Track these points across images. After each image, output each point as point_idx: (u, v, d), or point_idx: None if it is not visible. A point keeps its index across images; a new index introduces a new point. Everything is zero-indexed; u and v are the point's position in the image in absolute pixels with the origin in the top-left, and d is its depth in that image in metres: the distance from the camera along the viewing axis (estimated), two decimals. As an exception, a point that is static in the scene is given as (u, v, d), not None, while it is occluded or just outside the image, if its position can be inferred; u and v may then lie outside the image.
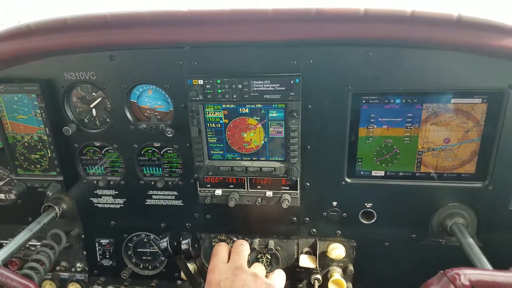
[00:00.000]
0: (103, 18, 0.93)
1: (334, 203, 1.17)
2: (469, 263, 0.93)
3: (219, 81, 1.02)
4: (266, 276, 0.95)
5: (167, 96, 1.13)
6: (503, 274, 0.62)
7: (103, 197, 1.29)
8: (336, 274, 1.23)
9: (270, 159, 1.14)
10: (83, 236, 1.37)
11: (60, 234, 1.32)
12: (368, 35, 0.87)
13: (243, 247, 1.00)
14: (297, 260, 1.26)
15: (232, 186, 1.19)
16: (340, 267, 1.26)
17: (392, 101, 1.04)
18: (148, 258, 1.40)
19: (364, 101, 1.05)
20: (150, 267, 1.41)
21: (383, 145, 1.09)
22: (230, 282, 0.86)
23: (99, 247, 1.38)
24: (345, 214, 1.17)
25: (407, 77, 0.97)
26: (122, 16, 0.93)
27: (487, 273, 0.61)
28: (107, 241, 1.37)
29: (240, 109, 1.08)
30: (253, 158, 1.14)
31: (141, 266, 1.41)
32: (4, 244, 1.26)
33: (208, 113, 1.10)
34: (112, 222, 1.33)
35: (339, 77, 1.00)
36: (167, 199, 1.26)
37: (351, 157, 1.11)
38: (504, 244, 1.09)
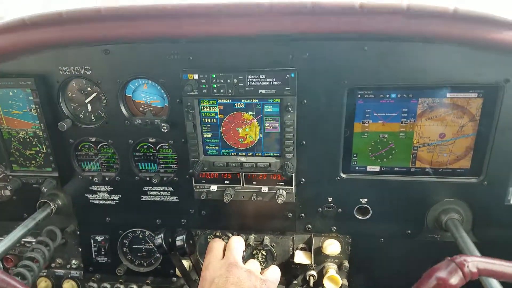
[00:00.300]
0: (97, 11, 0.92)
1: (330, 199, 1.16)
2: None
3: (214, 75, 1.02)
4: (260, 272, 0.95)
5: (162, 91, 1.12)
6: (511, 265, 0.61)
7: (98, 193, 1.29)
8: (331, 270, 1.23)
9: (265, 154, 1.13)
10: (78, 232, 1.37)
11: (55, 230, 1.31)
12: (364, 29, 0.87)
13: (238, 243, 1.00)
14: (293, 256, 1.26)
15: (227, 181, 1.18)
16: (335, 263, 1.26)
17: (387, 95, 1.04)
18: (144, 254, 1.39)
19: (359, 96, 1.05)
20: (145, 264, 1.41)
21: (378, 140, 1.09)
22: (225, 279, 0.85)
23: (95, 244, 1.38)
24: (340, 209, 1.17)
25: (403, 71, 0.97)
26: (116, 10, 0.93)
27: (496, 262, 0.59)
28: (102, 237, 1.36)
29: (236, 104, 1.08)
30: (249, 154, 1.14)
31: (136, 263, 1.41)
32: (-2, 241, 1.25)
33: (204, 108, 1.09)
34: (107, 219, 1.32)
35: (334, 71, 1.00)
36: (162, 195, 1.26)
37: (347, 153, 1.11)
38: (499, 240, 1.09)
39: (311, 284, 1.25)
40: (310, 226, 1.22)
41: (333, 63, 0.99)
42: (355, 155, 1.12)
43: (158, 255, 1.38)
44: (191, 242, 1.12)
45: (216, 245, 0.99)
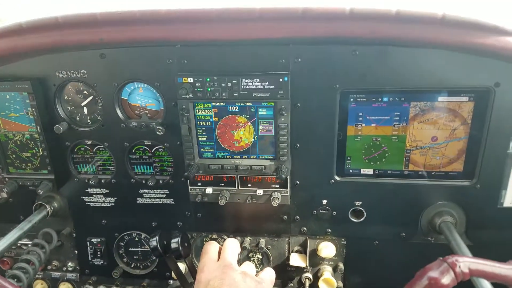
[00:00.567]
0: (93, 16, 0.94)
1: (324, 201, 1.17)
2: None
3: (208, 79, 1.03)
4: (256, 274, 0.95)
5: (157, 95, 1.13)
6: (503, 266, 0.61)
7: (94, 195, 1.29)
8: (327, 272, 1.23)
9: (260, 157, 1.14)
10: (74, 235, 1.37)
11: (51, 233, 1.32)
12: (354, 33, 0.89)
13: (233, 246, 1.00)
14: (288, 258, 1.26)
15: (222, 184, 1.19)
16: (331, 265, 1.26)
17: (379, 99, 1.05)
18: (140, 257, 1.40)
19: (352, 100, 1.06)
20: (141, 267, 1.41)
21: (371, 143, 1.10)
22: (220, 281, 0.85)
23: (91, 246, 1.38)
24: (335, 212, 1.18)
25: (394, 75, 0.98)
26: (112, 15, 0.94)
27: (487, 263, 0.60)
28: (98, 240, 1.37)
29: (230, 107, 1.09)
30: (243, 156, 1.15)
31: (132, 266, 1.41)
32: (-6, 243, 1.26)
33: (198, 111, 1.10)
34: (103, 221, 1.33)
35: (327, 75, 1.01)
36: (158, 197, 1.26)
37: (340, 155, 1.12)
38: (492, 243, 1.10)
39: (307, 286, 1.25)
40: (305, 228, 1.22)
41: (325, 66, 1.00)
42: (348, 158, 1.13)
43: (154, 258, 1.38)
44: (186, 244, 1.12)
45: (212, 247, 1.00)
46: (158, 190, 1.25)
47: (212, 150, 1.15)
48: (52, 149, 1.21)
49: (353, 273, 1.26)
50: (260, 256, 1.31)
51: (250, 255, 1.31)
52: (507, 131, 0.99)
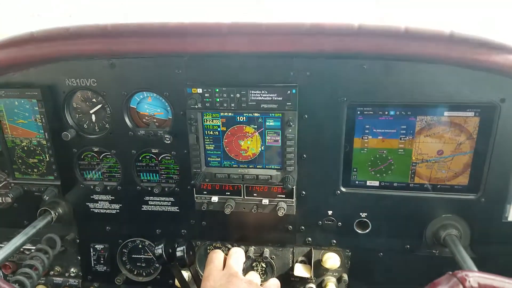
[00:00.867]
0: (104, 28, 0.95)
1: (330, 212, 1.17)
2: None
3: (217, 90, 1.04)
4: (260, 284, 0.95)
5: (166, 104, 1.14)
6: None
7: (99, 202, 1.29)
8: (331, 284, 1.23)
9: (266, 167, 1.15)
10: (78, 241, 1.37)
11: (55, 238, 1.32)
12: (363, 49, 0.90)
13: (239, 255, 1.00)
14: (292, 269, 1.26)
15: (228, 193, 1.20)
16: (335, 276, 1.26)
17: (386, 112, 1.06)
18: (143, 264, 1.39)
19: (359, 112, 1.07)
20: (144, 274, 1.40)
21: (377, 156, 1.11)
22: None
23: (94, 253, 1.38)
24: (340, 223, 1.18)
25: (401, 89, 1.00)
26: (122, 27, 0.95)
27: (497, 279, 0.59)
28: (101, 246, 1.37)
29: (238, 118, 1.10)
30: (250, 166, 1.15)
31: (135, 273, 1.41)
32: (-2, 248, 1.26)
33: (206, 121, 1.11)
34: (107, 228, 1.33)
35: (335, 88, 1.02)
36: (163, 205, 1.27)
37: (347, 167, 1.13)
38: (497, 256, 1.10)
39: (310, 297, 1.25)
40: (310, 239, 1.23)
41: (333, 80, 1.01)
42: (355, 170, 1.14)
43: (157, 265, 1.38)
44: (191, 253, 1.12)
45: (217, 256, 1.00)
46: (164, 198, 1.25)
47: (219, 159, 1.16)
48: (59, 155, 1.21)
49: (357, 285, 1.26)
50: (264, 266, 1.31)
51: (254, 264, 1.31)
52: None
